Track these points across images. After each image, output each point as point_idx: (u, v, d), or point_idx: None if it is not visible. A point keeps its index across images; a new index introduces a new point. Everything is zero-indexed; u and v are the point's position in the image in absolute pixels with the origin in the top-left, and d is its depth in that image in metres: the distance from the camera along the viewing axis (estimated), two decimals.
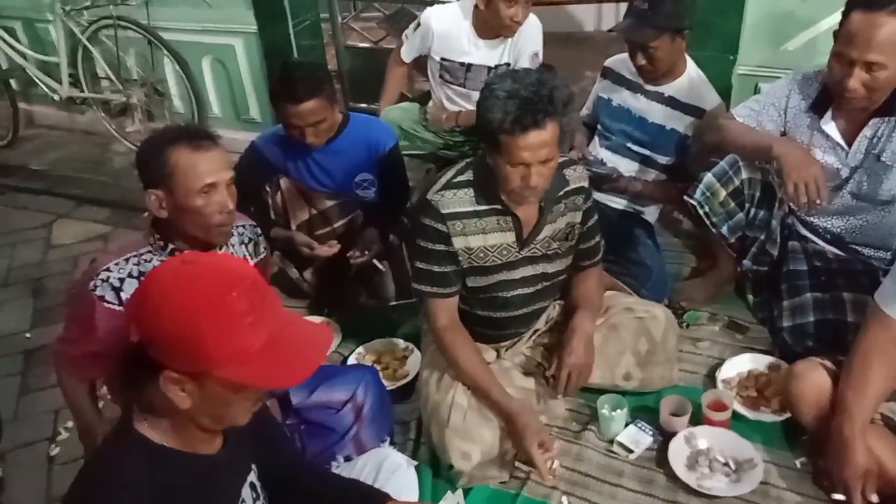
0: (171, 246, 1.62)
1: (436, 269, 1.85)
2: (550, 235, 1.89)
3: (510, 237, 1.85)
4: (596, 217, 1.97)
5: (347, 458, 1.84)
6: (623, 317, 2.01)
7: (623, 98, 2.52)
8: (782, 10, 2.44)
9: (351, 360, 2.29)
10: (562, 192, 1.87)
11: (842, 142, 2.04)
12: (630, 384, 2.03)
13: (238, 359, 1.02)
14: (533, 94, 1.60)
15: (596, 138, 2.64)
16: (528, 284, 1.93)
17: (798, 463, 1.87)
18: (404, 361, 2.28)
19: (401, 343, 2.35)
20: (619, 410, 1.94)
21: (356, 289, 2.55)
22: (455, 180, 1.83)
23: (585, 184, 1.91)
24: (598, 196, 2.54)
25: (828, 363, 1.81)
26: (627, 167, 2.53)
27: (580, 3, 4.13)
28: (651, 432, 1.95)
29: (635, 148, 2.51)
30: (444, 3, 2.92)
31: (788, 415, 1.91)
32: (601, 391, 2.01)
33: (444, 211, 1.80)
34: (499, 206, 1.81)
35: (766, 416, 1.97)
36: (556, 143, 1.66)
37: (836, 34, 1.92)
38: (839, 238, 2.17)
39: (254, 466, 1.31)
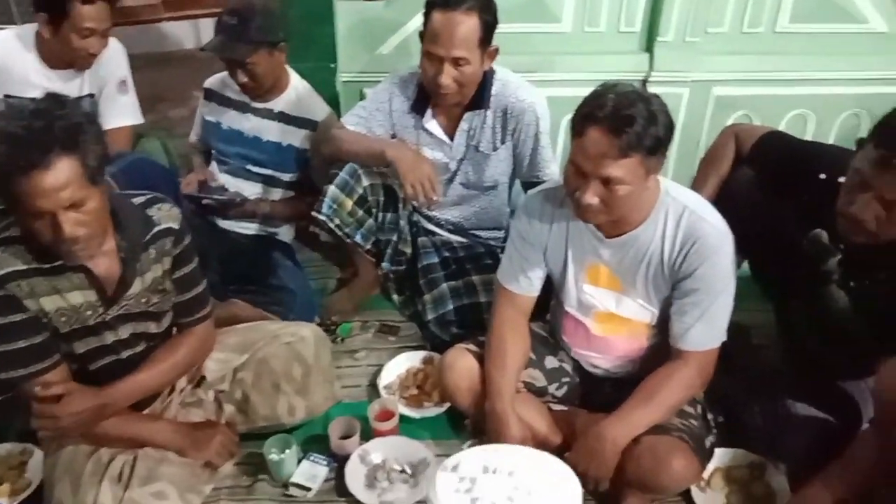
0: None
1: (21, 345, 1.53)
2: (146, 288, 1.64)
3: (92, 295, 1.57)
4: (194, 265, 1.72)
5: None
6: (271, 347, 1.88)
7: (232, 120, 2.38)
8: (370, 15, 2.51)
9: None
10: (148, 237, 1.60)
11: (445, 137, 2.16)
12: (296, 417, 1.92)
13: None
14: (25, 129, 1.33)
15: (214, 164, 2.47)
16: (130, 347, 1.69)
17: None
18: (23, 469, 1.85)
19: (13, 447, 1.89)
20: (288, 450, 1.82)
21: None
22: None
23: (176, 224, 1.64)
24: (226, 224, 2.39)
25: (472, 346, 1.90)
26: (252, 190, 2.41)
27: (171, 20, 3.87)
28: (326, 462, 1.86)
29: (256, 169, 2.39)
30: None
31: (450, 404, 1.97)
32: (267, 435, 1.87)
33: None
34: (63, 262, 1.50)
35: (431, 411, 2.02)
36: (81, 182, 1.38)
37: (422, 35, 2.01)
38: (460, 226, 2.32)
39: None
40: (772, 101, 2.64)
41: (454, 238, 2.33)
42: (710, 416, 1.80)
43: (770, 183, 1.89)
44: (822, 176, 1.74)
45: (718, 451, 1.83)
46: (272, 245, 2.41)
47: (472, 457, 1.51)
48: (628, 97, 1.48)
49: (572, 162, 1.54)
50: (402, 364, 2.16)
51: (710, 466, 1.80)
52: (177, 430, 1.76)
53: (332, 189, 2.14)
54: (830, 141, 2.72)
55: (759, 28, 2.53)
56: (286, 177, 2.40)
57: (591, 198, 1.52)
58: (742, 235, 1.67)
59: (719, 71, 2.58)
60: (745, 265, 2.01)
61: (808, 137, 2.69)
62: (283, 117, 2.34)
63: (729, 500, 1.81)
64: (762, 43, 2.56)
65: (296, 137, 2.35)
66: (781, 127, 2.66)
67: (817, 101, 2.65)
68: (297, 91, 2.36)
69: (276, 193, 2.42)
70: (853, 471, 1.62)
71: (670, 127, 1.52)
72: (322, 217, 2.14)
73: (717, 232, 1.61)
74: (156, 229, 1.62)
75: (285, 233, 2.48)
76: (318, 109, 2.36)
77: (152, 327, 1.71)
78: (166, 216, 1.64)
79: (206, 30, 4.32)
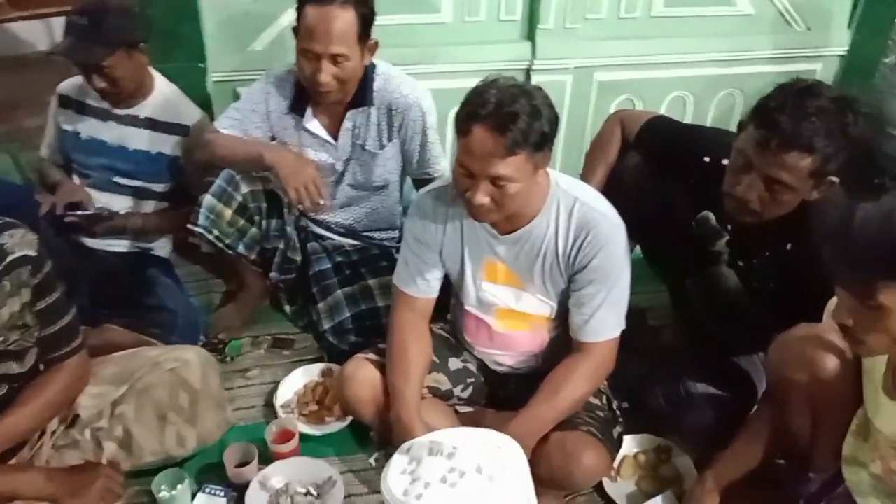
0: None
1: None
2: (3, 326, 1.45)
3: None
4: (58, 293, 1.53)
5: None
6: (152, 375, 1.72)
7: (92, 129, 2.16)
8: (239, 10, 2.37)
9: None
10: (1, 268, 1.43)
11: (328, 137, 2.06)
12: (187, 448, 1.77)
13: None
14: None
15: (75, 177, 2.25)
16: None
17: (373, 461, 1.86)
18: None
19: None
20: (180, 485, 1.68)
21: None
22: None
23: (32, 251, 1.46)
24: (94, 243, 2.20)
25: (372, 355, 1.82)
26: (121, 203, 2.20)
27: (20, 19, 3.54)
28: (223, 493, 1.73)
29: (124, 181, 2.19)
30: None
31: (352, 417, 1.89)
32: (156, 470, 1.72)
33: None
34: None
35: (333, 427, 1.93)
36: None
37: (296, 30, 1.89)
38: (351, 229, 2.23)
39: None
40: (652, 84, 2.68)
41: (346, 241, 2.23)
42: (615, 404, 1.80)
43: (657, 168, 1.91)
44: (707, 159, 1.77)
45: (626, 438, 1.85)
46: (147, 262, 2.23)
47: (424, 438, 1.47)
48: (510, 93, 1.45)
49: (459, 162, 1.50)
50: (298, 379, 2.05)
51: (619, 455, 1.81)
52: (50, 477, 1.59)
53: (207, 198, 1.99)
54: (709, 120, 2.81)
55: (635, 13, 2.56)
56: (158, 187, 2.22)
57: (482, 198, 1.49)
58: (633, 221, 1.67)
59: (600, 56, 2.59)
60: (638, 249, 2.02)
61: (688, 118, 2.77)
62: (151, 123, 2.16)
63: (639, 486, 1.82)
64: (639, 27, 2.59)
65: (166, 144, 2.18)
66: (662, 109, 2.72)
67: (694, 82, 2.71)
68: (163, 94, 2.19)
69: (149, 206, 2.23)
70: (753, 445, 1.66)
71: (555, 120, 1.50)
72: (199, 229, 1.99)
73: (608, 221, 1.61)
74: (9, 259, 1.43)
75: (161, 247, 2.30)
76: (189, 113, 2.19)
77: (14, 367, 1.52)
78: (20, 243, 1.45)
79: (60, 29, 3.99)
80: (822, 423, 1.52)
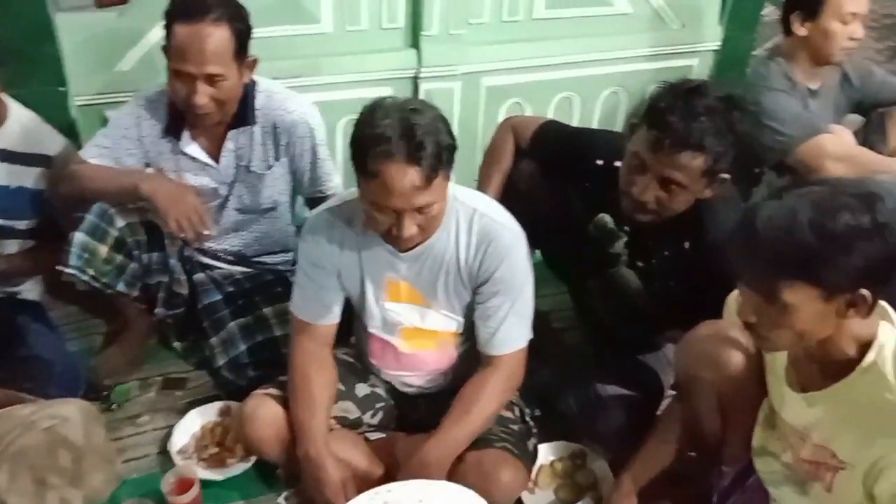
0: None
1: None
2: None
3: None
4: None
5: None
6: (27, 437, 1.56)
7: None
8: (101, 28, 2.19)
9: None
10: None
11: (209, 160, 1.93)
12: None
13: None
14: None
15: None
16: None
17: (282, 500, 1.76)
18: None
19: None
20: None
21: None
22: None
23: None
24: None
25: (273, 390, 1.72)
26: None
27: None
28: None
29: None
30: None
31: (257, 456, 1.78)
32: None
33: None
34: None
35: (236, 469, 1.81)
36: None
37: (165, 50, 1.76)
38: (241, 255, 2.11)
39: None
40: (539, 86, 2.69)
41: (236, 269, 2.10)
42: (527, 415, 1.78)
43: (552, 173, 1.90)
44: (599, 162, 1.78)
45: (541, 447, 1.83)
46: (14, 308, 2.02)
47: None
48: (403, 118, 1.39)
49: (375, 204, 1.43)
50: (194, 421, 1.91)
51: (535, 465, 1.79)
52: None
53: (79, 236, 1.82)
54: (596, 119, 2.85)
55: (517, 17, 2.56)
56: (22, 224, 2.02)
57: (411, 229, 1.45)
58: (531, 228, 1.66)
59: (486, 61, 2.58)
60: (538, 253, 2.01)
61: (576, 118, 2.80)
62: (7, 156, 1.96)
63: (558, 494, 1.80)
64: (522, 31, 2.59)
65: (27, 177, 1.98)
66: (550, 110, 2.74)
67: (579, 82, 2.74)
68: (20, 123, 1.99)
69: (12, 246, 2.03)
70: (666, 443, 1.68)
71: (450, 128, 1.46)
72: (71, 271, 1.82)
73: (509, 232, 1.58)
74: None
75: (30, 290, 2.09)
76: (51, 142, 2.01)
77: None
78: None
79: None
80: (730, 417, 1.54)
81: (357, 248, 1.61)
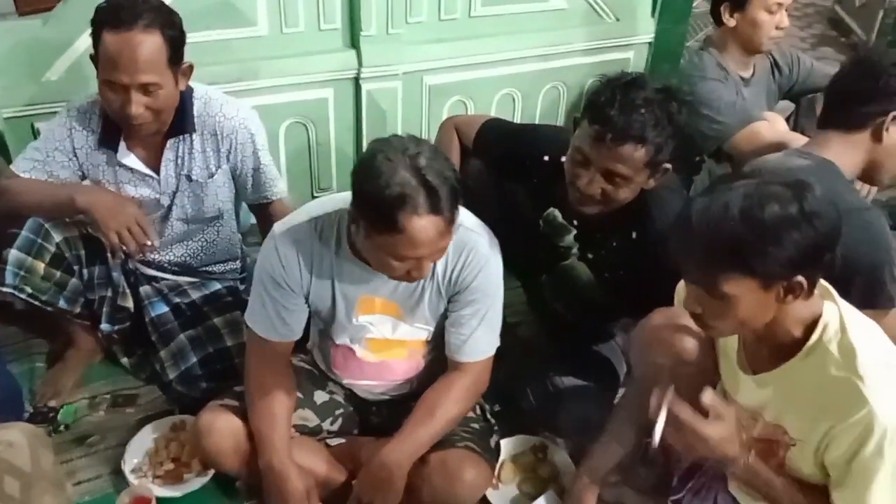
0: None
1: None
2: None
3: None
4: None
5: None
6: None
7: None
8: (25, 36, 2.10)
9: None
10: None
11: (148, 171, 1.87)
12: None
13: None
14: None
15: None
16: None
17: None
18: None
19: None
20: None
21: None
22: None
23: None
24: None
25: (229, 401, 1.69)
26: None
27: None
28: None
29: None
30: None
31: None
32: None
33: None
34: None
35: (194, 484, 1.77)
36: None
37: (94, 59, 1.70)
38: (187, 266, 2.05)
39: None
40: (480, 84, 2.69)
41: (183, 279, 2.05)
42: (488, 412, 1.79)
43: (499, 171, 1.91)
44: (546, 158, 1.79)
45: (502, 443, 1.84)
46: None
47: None
48: (413, 168, 1.34)
49: (397, 255, 1.39)
50: (148, 438, 1.86)
51: (498, 461, 1.79)
52: None
53: (13, 253, 1.76)
54: (538, 114, 2.87)
55: (455, 14, 2.56)
56: None
57: (429, 268, 1.46)
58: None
59: (427, 60, 2.57)
60: None
61: (518, 114, 2.82)
62: None
63: (521, 489, 1.82)
64: (461, 28, 2.59)
65: None
66: (493, 107, 2.75)
67: (520, 78, 2.76)
68: None
69: None
70: (624, 431, 1.71)
71: (450, 162, 1.44)
72: (7, 289, 1.75)
73: (485, 241, 1.58)
74: None
75: None
76: None
77: None
78: None
79: None
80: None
81: (330, 266, 1.57)
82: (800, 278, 1.18)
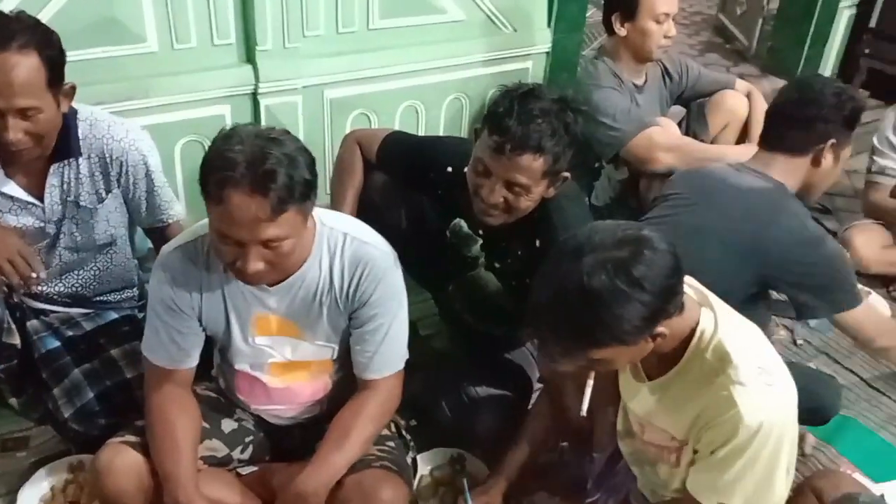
0: None
1: None
2: None
3: None
4: None
5: None
6: None
7: None
8: None
9: None
10: None
11: (30, 198, 1.76)
12: None
13: None
14: None
15: None
16: None
17: None
18: None
19: None
20: None
21: None
22: None
23: None
24: None
25: (130, 437, 1.60)
26: None
27: None
28: None
29: None
30: None
31: None
32: None
33: None
34: None
35: None
36: None
37: None
38: (79, 296, 1.94)
39: None
40: (383, 96, 2.68)
41: (75, 311, 1.94)
42: (402, 428, 1.77)
43: (404, 184, 1.91)
44: (450, 169, 1.79)
45: (419, 458, 1.83)
46: None
47: None
48: (257, 146, 1.32)
49: (220, 233, 1.36)
50: (42, 482, 1.76)
51: (416, 477, 1.78)
52: None
53: None
54: (441, 126, 2.88)
55: (353, 28, 2.53)
56: None
57: (256, 264, 1.37)
58: (390, 238, 1.64)
59: (326, 74, 2.53)
60: None
61: (422, 126, 2.82)
62: None
63: (443, 501, 1.80)
64: (359, 41, 2.57)
65: None
66: (396, 120, 2.74)
67: (422, 90, 2.76)
68: None
69: None
70: (537, 435, 1.75)
71: (313, 163, 1.40)
72: None
73: (382, 253, 1.56)
74: None
75: None
76: None
77: None
78: None
79: None
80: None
81: (220, 285, 1.52)
82: (660, 329, 1.24)
